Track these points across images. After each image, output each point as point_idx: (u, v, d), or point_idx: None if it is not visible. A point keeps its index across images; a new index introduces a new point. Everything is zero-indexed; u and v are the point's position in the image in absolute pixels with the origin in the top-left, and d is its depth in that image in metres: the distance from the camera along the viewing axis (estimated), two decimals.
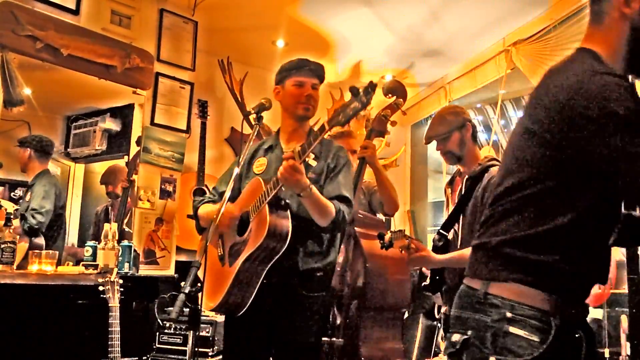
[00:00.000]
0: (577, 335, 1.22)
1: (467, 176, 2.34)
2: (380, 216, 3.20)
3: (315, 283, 2.11)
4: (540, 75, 1.35)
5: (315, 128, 1.98)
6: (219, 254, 2.15)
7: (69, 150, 4.68)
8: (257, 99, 2.22)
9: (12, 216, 2.94)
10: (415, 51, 5.10)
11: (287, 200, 2.03)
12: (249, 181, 2.18)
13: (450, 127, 2.33)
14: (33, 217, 3.31)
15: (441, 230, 2.35)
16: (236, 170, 2.03)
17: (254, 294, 1.97)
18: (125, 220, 4.03)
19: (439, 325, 3.79)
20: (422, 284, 2.40)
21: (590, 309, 3.72)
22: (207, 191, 4.19)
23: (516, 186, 1.24)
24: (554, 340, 1.18)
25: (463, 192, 2.32)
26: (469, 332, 1.24)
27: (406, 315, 4.10)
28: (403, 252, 2.19)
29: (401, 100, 2.98)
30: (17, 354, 2.80)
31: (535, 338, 1.17)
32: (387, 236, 2.21)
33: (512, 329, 1.19)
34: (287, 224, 1.96)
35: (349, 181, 2.21)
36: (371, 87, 1.76)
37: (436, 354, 3.84)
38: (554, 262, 1.20)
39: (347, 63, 5.32)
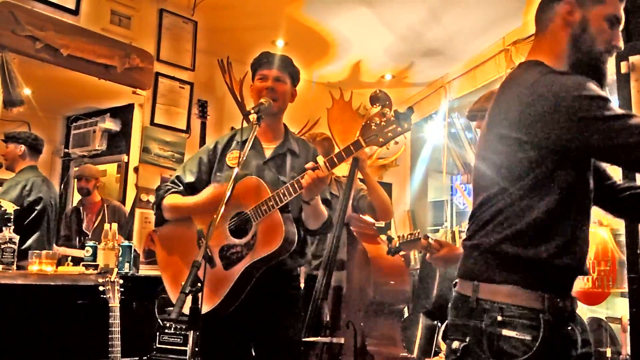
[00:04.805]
0: (569, 328, 1.26)
1: None
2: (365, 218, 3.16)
3: (295, 280, 2.19)
4: None
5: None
6: (209, 255, 2.07)
7: (68, 150, 4.69)
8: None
9: (12, 216, 2.94)
10: (415, 51, 5.10)
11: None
12: (224, 175, 2.10)
13: None
14: None
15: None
16: (204, 159, 2.11)
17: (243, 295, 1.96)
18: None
19: (439, 325, 3.79)
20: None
21: (592, 307, 3.72)
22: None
23: (503, 189, 1.29)
24: (545, 336, 1.21)
25: None
26: (467, 339, 1.28)
27: (406, 314, 4.10)
28: (427, 254, 2.17)
29: (387, 109, 3.00)
30: (17, 354, 2.80)
31: (528, 337, 1.21)
32: (394, 241, 2.23)
33: (505, 332, 1.23)
34: (294, 230, 1.95)
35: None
36: (411, 112, 1.85)
37: (436, 354, 3.84)
38: (543, 254, 1.24)
39: (347, 62, 5.32)
